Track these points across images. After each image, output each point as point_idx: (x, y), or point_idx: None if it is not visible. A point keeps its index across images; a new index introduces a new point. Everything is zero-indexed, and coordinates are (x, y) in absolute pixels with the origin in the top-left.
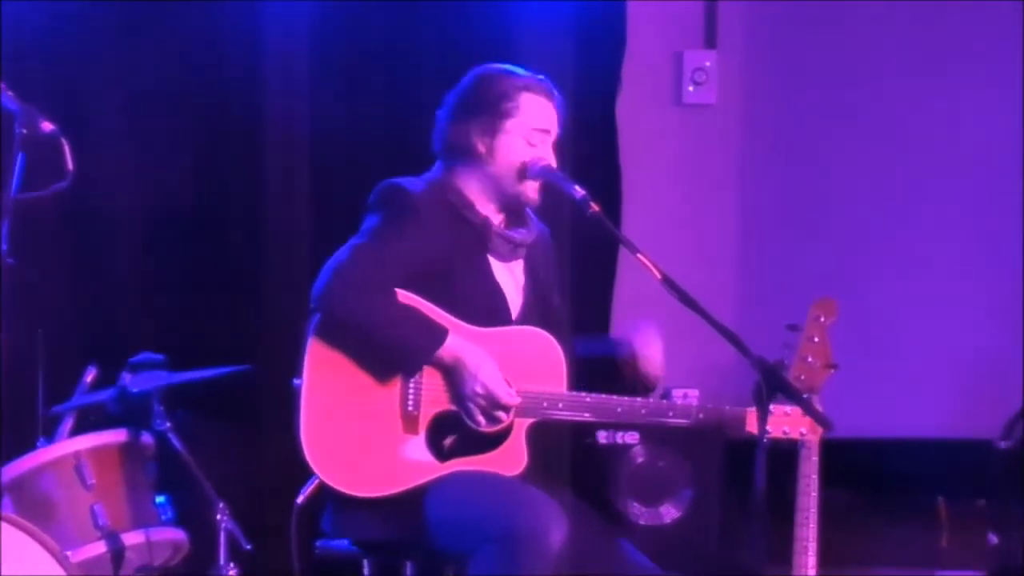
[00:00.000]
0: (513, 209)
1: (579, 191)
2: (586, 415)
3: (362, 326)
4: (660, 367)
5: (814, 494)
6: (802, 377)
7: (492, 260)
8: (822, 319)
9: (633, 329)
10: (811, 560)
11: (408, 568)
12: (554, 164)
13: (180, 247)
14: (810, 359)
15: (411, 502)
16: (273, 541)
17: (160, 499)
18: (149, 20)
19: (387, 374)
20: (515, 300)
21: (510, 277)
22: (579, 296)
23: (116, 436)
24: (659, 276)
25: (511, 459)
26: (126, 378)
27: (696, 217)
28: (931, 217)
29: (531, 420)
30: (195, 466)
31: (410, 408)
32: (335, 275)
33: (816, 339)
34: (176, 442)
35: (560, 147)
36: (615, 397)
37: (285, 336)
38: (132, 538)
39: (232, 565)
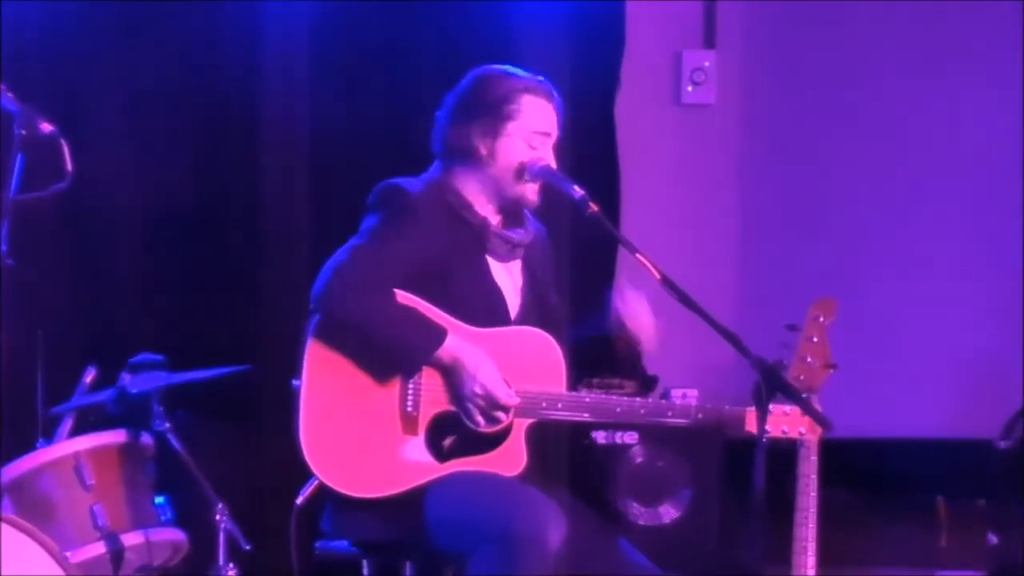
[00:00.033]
0: (511, 210)
1: (578, 191)
2: (585, 415)
3: (361, 327)
4: (650, 327)
5: (813, 494)
6: (801, 377)
7: (490, 260)
8: (821, 319)
9: (619, 299)
10: (810, 560)
11: (407, 568)
12: (553, 165)
13: (180, 247)
14: (809, 359)
15: (410, 503)
16: (272, 541)
17: (159, 499)
18: (149, 20)
19: (386, 375)
20: (513, 300)
21: (508, 277)
22: (578, 296)
23: (115, 437)
24: (658, 276)
25: (510, 459)
26: (125, 379)
27: (695, 217)
28: (931, 217)
29: (530, 420)
30: (194, 466)
31: (409, 409)
32: (334, 276)
33: (815, 339)
34: (175, 442)
35: (559, 147)
36: (614, 397)
37: (285, 336)
38: (131, 539)
39: (231, 565)
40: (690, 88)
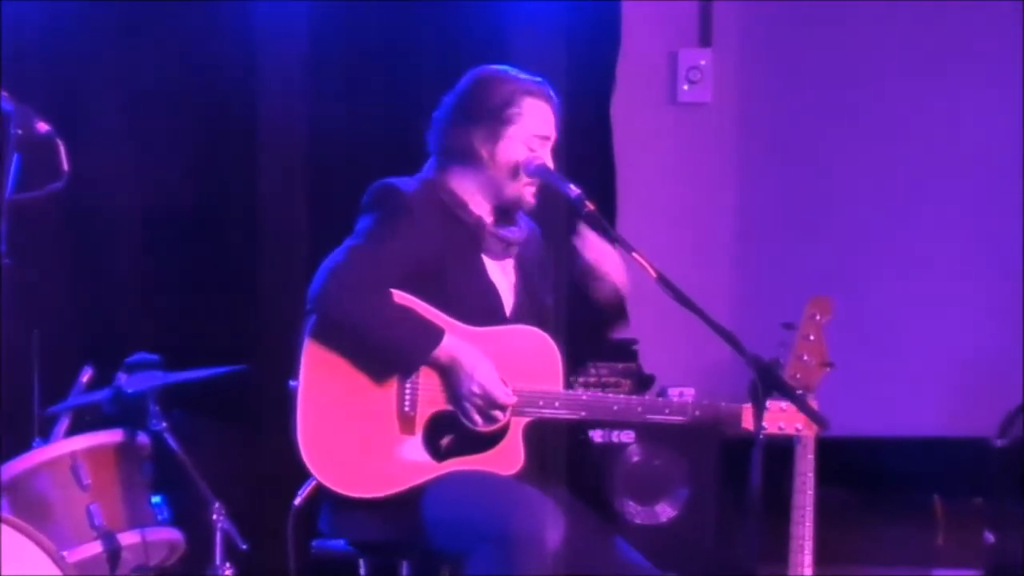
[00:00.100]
0: (506, 209)
1: (574, 190)
2: (582, 413)
3: (358, 327)
4: (618, 265)
5: (810, 492)
6: (798, 375)
7: (486, 259)
8: (818, 317)
9: (581, 243)
10: (807, 559)
11: (404, 568)
12: (550, 165)
13: (178, 247)
14: (806, 357)
15: (408, 502)
16: (269, 541)
17: (156, 499)
18: (149, 20)
19: (383, 375)
20: (508, 299)
21: (503, 276)
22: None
23: (112, 436)
24: (654, 275)
25: (508, 458)
26: (122, 378)
27: (691, 216)
28: (930, 217)
29: (527, 419)
30: (191, 466)
31: (407, 408)
32: (330, 276)
33: (812, 337)
34: (172, 442)
35: (556, 146)
36: (611, 395)
37: (284, 336)
38: (128, 538)
39: (228, 565)
40: (686, 87)
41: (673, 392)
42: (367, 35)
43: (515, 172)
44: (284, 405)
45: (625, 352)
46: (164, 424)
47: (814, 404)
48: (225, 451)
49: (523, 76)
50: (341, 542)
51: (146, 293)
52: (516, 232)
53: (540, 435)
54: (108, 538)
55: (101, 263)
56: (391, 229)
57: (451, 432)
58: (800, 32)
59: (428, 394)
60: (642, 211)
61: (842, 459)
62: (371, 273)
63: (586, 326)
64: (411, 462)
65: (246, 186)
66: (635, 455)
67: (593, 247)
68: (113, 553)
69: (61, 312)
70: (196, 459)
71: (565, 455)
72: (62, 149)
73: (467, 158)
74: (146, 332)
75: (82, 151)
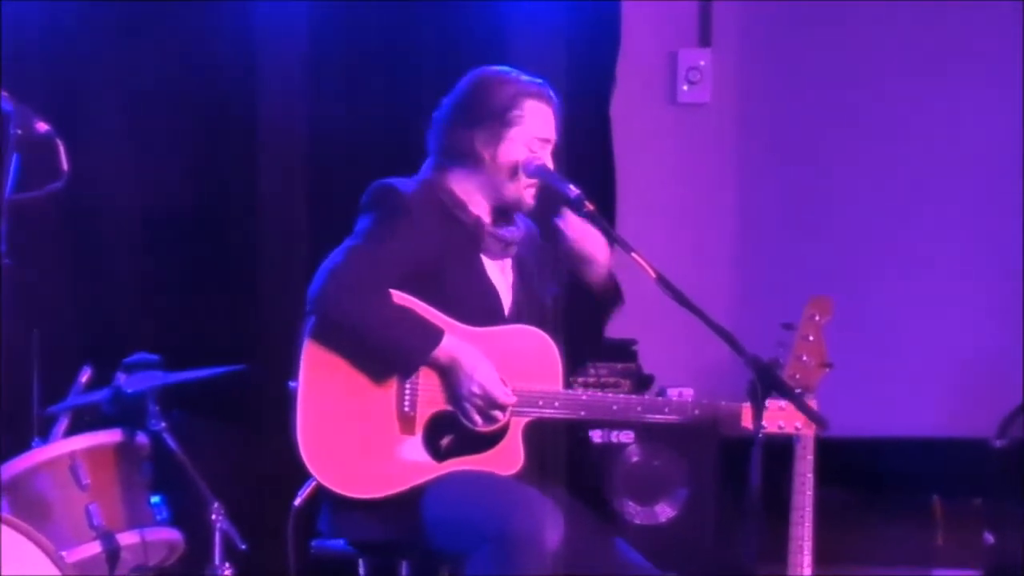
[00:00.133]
0: (504, 210)
1: (574, 190)
2: (582, 413)
3: (357, 328)
4: (601, 242)
5: (809, 493)
6: (797, 376)
7: (484, 259)
8: (817, 317)
9: (563, 223)
10: (807, 559)
11: (404, 568)
12: (550, 166)
13: (178, 247)
14: (805, 358)
15: (408, 502)
16: (268, 541)
17: (155, 499)
18: (149, 20)
19: (383, 375)
20: (506, 299)
21: (501, 276)
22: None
23: (111, 436)
24: (654, 275)
25: (508, 458)
26: (121, 378)
27: (691, 216)
28: (931, 217)
29: (527, 419)
30: (190, 466)
31: (406, 409)
32: (330, 277)
33: (811, 337)
34: (171, 442)
35: (555, 147)
36: (610, 395)
37: (283, 336)
38: (127, 538)
39: (227, 565)
40: (686, 87)
41: (672, 392)
42: (367, 35)
43: (514, 172)
44: (284, 405)
45: (624, 352)
46: (163, 424)
47: (813, 404)
48: (224, 451)
49: (524, 77)
50: (341, 542)
51: (146, 293)
52: (514, 232)
53: (540, 435)
54: (107, 538)
55: (101, 263)
56: (390, 229)
57: (451, 432)
58: (800, 32)
59: (428, 394)
60: (641, 211)
61: (842, 459)
62: (370, 273)
63: (584, 312)
64: (411, 462)
65: (246, 186)
66: (634, 455)
67: (575, 226)
68: (112, 553)
69: (61, 312)
70: (195, 459)
71: (565, 455)
72: (61, 149)
73: (467, 159)
74: (146, 332)
75: (82, 151)
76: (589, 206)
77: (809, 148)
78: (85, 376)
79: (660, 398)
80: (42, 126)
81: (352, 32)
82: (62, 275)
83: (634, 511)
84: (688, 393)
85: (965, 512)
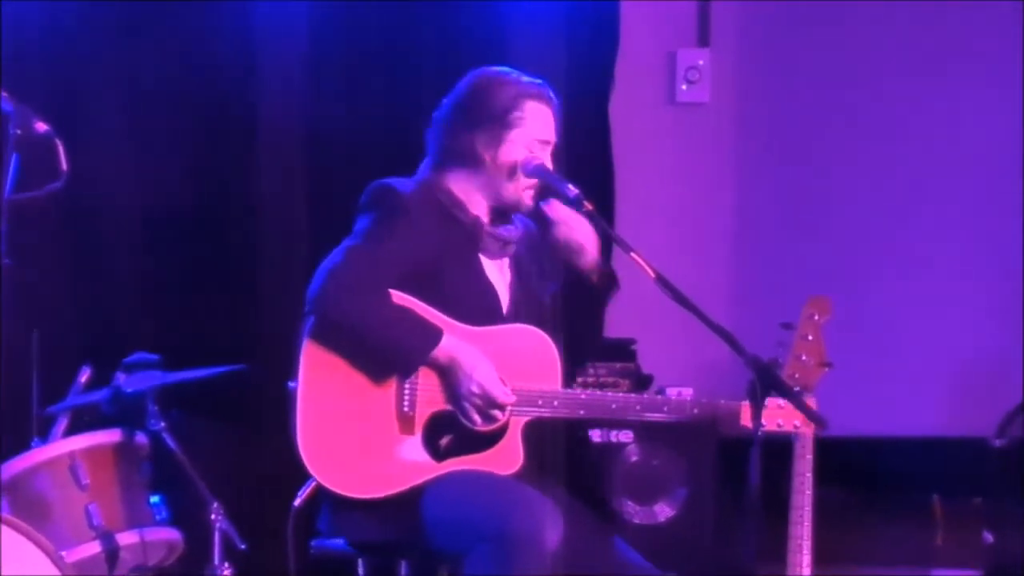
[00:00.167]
0: (503, 211)
1: (573, 190)
2: (581, 412)
3: (356, 328)
4: (588, 229)
5: (809, 492)
6: (796, 375)
7: (483, 259)
8: (816, 317)
9: (550, 209)
10: (806, 559)
11: (403, 568)
12: (549, 166)
13: (178, 247)
14: (804, 357)
15: (407, 502)
16: (268, 541)
17: (155, 499)
18: (149, 20)
19: (382, 375)
20: (504, 298)
21: (500, 275)
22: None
23: (110, 436)
24: (653, 275)
25: (507, 458)
26: (120, 378)
27: (690, 216)
28: (930, 217)
29: (526, 418)
30: (190, 466)
31: (406, 409)
32: (329, 277)
33: (810, 337)
34: (170, 442)
35: (554, 147)
36: (610, 394)
37: (283, 336)
38: (127, 538)
39: (227, 565)
40: (684, 87)
41: (671, 392)
42: (367, 35)
43: (513, 173)
44: (283, 405)
45: (623, 352)
46: (163, 424)
47: (812, 404)
48: (224, 451)
49: (524, 78)
50: (340, 542)
51: (145, 293)
52: (512, 231)
53: (539, 434)
54: (106, 538)
55: (100, 263)
56: (388, 229)
57: (450, 432)
58: (799, 32)
59: (427, 394)
60: (640, 211)
61: (841, 459)
62: (369, 273)
63: (584, 311)
64: (410, 462)
65: (246, 186)
66: (634, 455)
67: (561, 212)
68: (111, 553)
69: (60, 312)
70: (195, 459)
71: (564, 455)
72: (61, 149)
73: (467, 160)
74: (145, 332)
75: (82, 151)
76: (588, 205)
77: (808, 148)
78: (84, 376)
79: (659, 396)
80: (41, 126)
81: (352, 32)
82: (61, 275)
83: (633, 510)
84: (687, 393)
85: (964, 512)
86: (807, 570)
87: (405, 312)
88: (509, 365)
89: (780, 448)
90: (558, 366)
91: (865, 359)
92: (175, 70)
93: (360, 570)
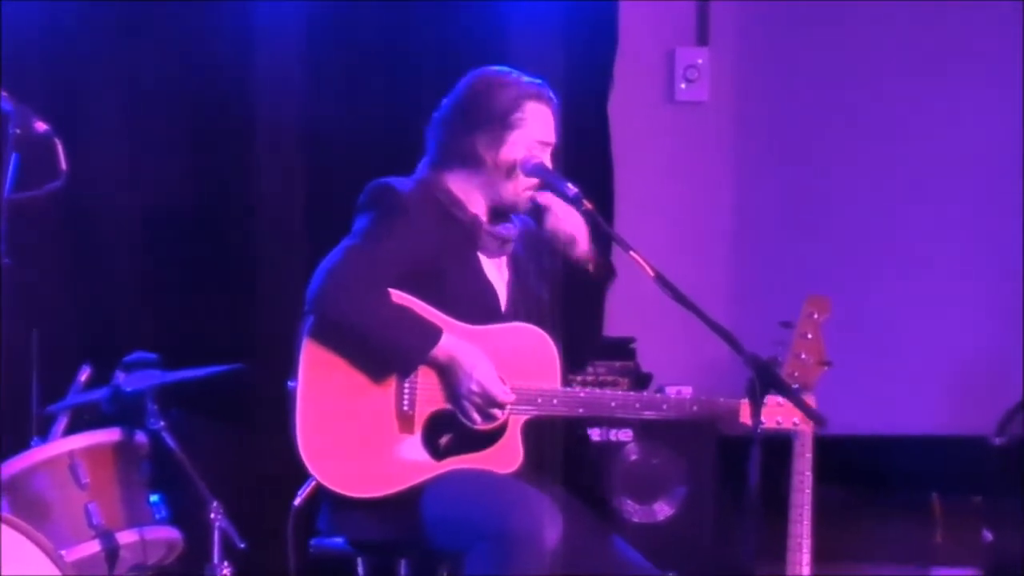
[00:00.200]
0: (502, 210)
1: (572, 188)
2: (580, 410)
3: (356, 327)
4: (578, 220)
5: (808, 491)
6: (796, 374)
7: (481, 257)
8: (815, 316)
9: (542, 198)
10: (805, 557)
11: (403, 567)
12: (548, 164)
13: (178, 247)
14: (803, 356)
15: (407, 501)
16: (268, 540)
17: (154, 498)
18: (148, 20)
19: (382, 374)
20: (503, 296)
21: (498, 273)
22: (572, 294)
23: (110, 435)
24: (652, 274)
25: (507, 457)
26: (120, 377)
27: (689, 214)
28: (930, 217)
29: (526, 417)
30: (189, 465)
31: (406, 408)
32: (328, 277)
33: (809, 336)
34: (170, 441)
35: (554, 147)
36: (609, 392)
37: (283, 336)
38: (126, 537)
39: (226, 564)
40: (683, 85)
41: (671, 390)
42: (367, 35)
43: (512, 171)
44: (283, 405)
45: (623, 350)
46: (162, 423)
47: (812, 402)
48: (223, 450)
49: (525, 79)
50: (340, 541)
51: (145, 293)
52: (511, 229)
53: (538, 433)
54: (106, 537)
55: (100, 263)
56: (387, 229)
57: (450, 431)
58: (798, 31)
59: (427, 393)
60: (640, 210)
61: (841, 457)
62: (368, 273)
63: (581, 295)
64: (410, 461)
65: (245, 186)
66: (633, 453)
67: (547, 196)
68: (111, 552)
69: (60, 311)
70: (194, 458)
71: (563, 453)
72: (60, 149)
73: (468, 161)
74: (145, 331)
75: (82, 151)
76: (587, 204)
77: (807, 147)
78: (84, 375)
79: (659, 395)
80: (41, 126)
81: (351, 32)
82: (61, 275)
83: (632, 509)
84: (687, 391)
85: (964, 510)
86: (807, 569)
87: (404, 311)
88: (508, 364)
89: (780, 446)
90: (557, 365)
91: (865, 358)
92: (175, 70)
93: (360, 569)
